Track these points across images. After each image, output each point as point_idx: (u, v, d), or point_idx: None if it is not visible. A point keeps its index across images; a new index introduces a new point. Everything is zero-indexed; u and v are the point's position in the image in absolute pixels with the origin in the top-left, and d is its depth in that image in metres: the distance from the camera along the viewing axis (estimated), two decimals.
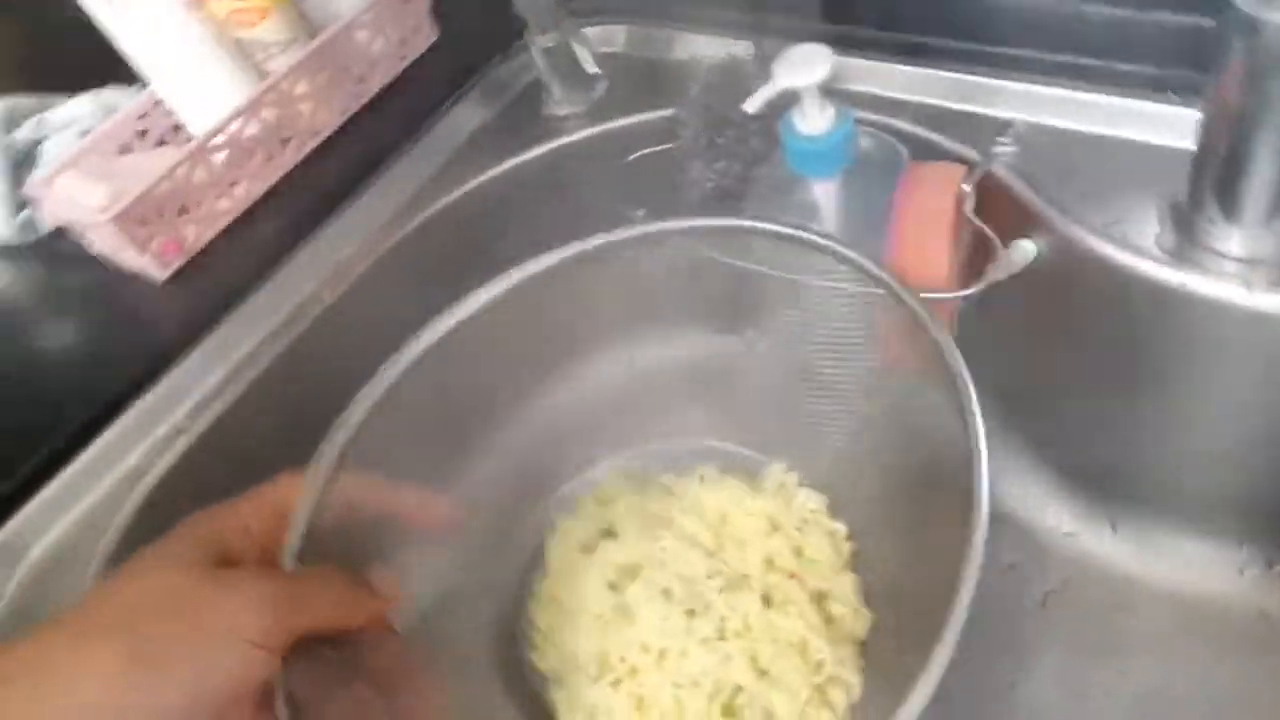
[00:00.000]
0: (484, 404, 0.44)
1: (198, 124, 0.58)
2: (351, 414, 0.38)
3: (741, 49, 0.53)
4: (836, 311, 0.43)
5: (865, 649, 0.44)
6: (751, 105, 0.44)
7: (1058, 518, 0.53)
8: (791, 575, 0.43)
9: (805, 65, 0.42)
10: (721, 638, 0.41)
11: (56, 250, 0.60)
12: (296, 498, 0.35)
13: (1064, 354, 0.49)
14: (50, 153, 0.63)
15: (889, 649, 0.43)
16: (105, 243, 0.54)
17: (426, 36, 0.63)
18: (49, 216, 0.59)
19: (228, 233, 0.56)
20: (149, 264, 0.53)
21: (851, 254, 0.39)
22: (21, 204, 0.61)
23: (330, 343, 0.53)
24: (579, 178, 0.57)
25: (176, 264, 0.54)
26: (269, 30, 0.56)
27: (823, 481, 0.48)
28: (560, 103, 0.59)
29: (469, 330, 0.41)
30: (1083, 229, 0.42)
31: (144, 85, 0.58)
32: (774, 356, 0.49)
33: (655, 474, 0.50)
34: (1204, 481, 0.48)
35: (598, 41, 0.62)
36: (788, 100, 0.44)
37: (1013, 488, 0.54)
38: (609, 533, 0.47)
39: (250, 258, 0.54)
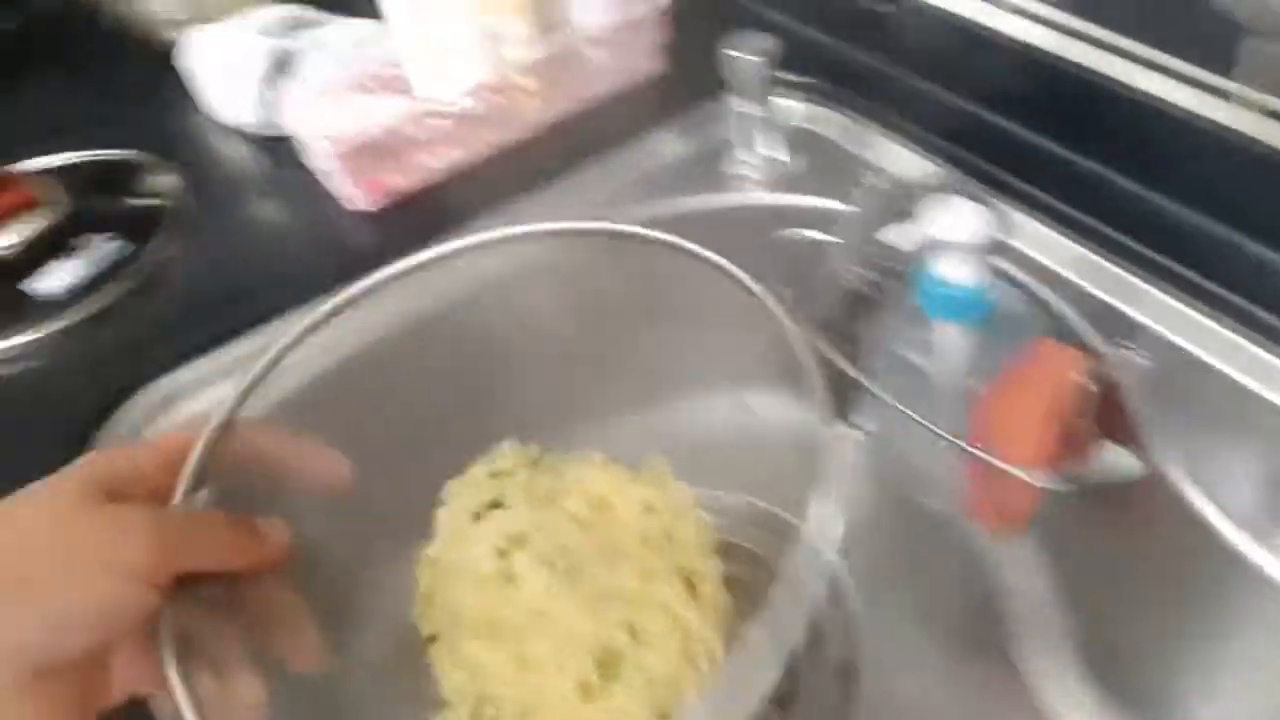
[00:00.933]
0: (388, 373, 0.46)
1: (425, 86, 0.64)
2: (258, 368, 0.39)
3: (924, 172, 0.55)
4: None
5: (731, 626, 0.46)
6: (886, 234, 0.46)
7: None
8: (662, 554, 0.46)
9: (956, 221, 0.44)
10: (600, 603, 0.43)
11: (285, 149, 0.68)
12: (192, 445, 0.35)
13: (1125, 565, 0.49)
14: (306, 66, 0.71)
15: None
16: (319, 163, 0.62)
17: (652, 67, 0.67)
18: (284, 123, 0.68)
19: (424, 190, 0.62)
20: (351, 194, 0.60)
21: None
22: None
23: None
24: (732, 234, 0.60)
25: (375, 202, 0.61)
26: (515, 24, 0.62)
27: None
28: (743, 163, 0.62)
29: (384, 299, 0.43)
30: (1172, 462, 0.43)
31: None
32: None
33: (548, 455, 0.52)
34: None
35: (803, 116, 0.65)
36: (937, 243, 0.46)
37: (1043, 658, 0.54)
38: (498, 504, 0.49)
39: (433, 217, 0.60)
